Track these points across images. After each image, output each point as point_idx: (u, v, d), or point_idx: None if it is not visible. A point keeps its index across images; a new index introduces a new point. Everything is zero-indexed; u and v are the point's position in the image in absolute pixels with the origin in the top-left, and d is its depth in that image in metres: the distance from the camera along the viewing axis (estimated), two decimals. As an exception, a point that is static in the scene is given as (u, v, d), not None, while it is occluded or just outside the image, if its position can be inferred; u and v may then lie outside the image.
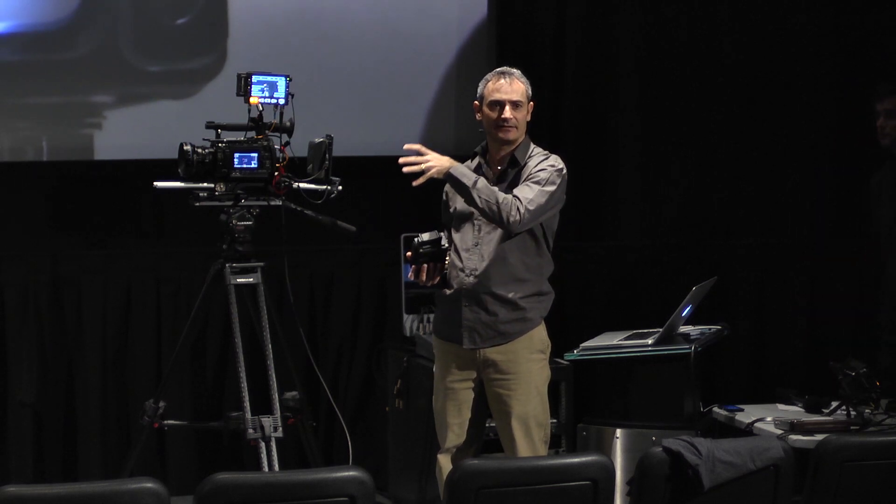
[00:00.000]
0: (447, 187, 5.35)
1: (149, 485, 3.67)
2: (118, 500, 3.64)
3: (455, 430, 5.27)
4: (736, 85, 7.44)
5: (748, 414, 5.88)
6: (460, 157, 5.21)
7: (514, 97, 5.22)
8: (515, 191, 5.15)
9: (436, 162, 5.12)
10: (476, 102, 5.30)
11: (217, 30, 6.90)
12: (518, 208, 5.10)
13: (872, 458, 4.35)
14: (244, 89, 5.74)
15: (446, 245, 5.20)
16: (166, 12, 6.88)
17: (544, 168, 5.20)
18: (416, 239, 5.16)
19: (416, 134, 7.11)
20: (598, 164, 7.37)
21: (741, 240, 7.48)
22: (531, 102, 5.28)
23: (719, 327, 6.35)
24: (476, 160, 5.33)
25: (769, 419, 5.73)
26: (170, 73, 6.90)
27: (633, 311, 7.08)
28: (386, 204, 7.11)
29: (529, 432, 5.20)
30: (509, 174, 5.26)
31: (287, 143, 5.79)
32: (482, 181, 5.15)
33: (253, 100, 5.73)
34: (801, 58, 7.47)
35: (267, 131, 5.77)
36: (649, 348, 6.02)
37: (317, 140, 5.83)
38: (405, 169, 5.10)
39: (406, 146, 5.18)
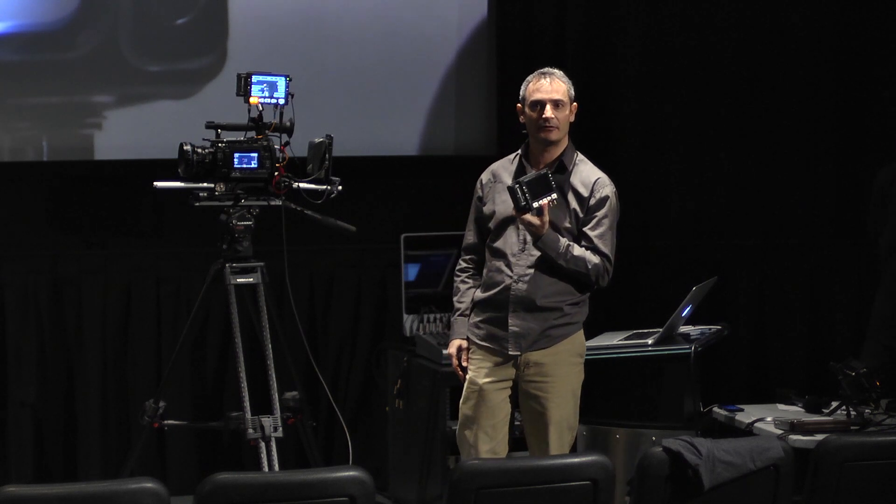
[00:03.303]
0: (480, 183, 5.33)
1: (149, 485, 3.66)
2: (118, 500, 3.63)
3: (488, 431, 5.19)
4: (736, 85, 7.44)
5: (748, 414, 5.88)
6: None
7: (556, 96, 5.20)
8: (597, 240, 5.15)
9: (539, 226, 5.02)
10: (518, 105, 5.26)
11: (217, 30, 6.90)
12: (608, 270, 5.17)
13: (872, 458, 4.35)
14: (244, 89, 5.73)
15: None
16: (166, 12, 6.88)
17: (608, 205, 5.21)
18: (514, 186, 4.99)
19: (416, 134, 7.11)
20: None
21: (741, 240, 7.47)
22: (574, 103, 5.25)
23: (719, 327, 6.35)
24: (516, 160, 5.28)
25: (769, 419, 5.73)
26: (170, 73, 6.90)
27: (633, 311, 7.07)
28: (386, 204, 7.11)
29: (562, 436, 5.18)
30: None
31: (287, 143, 5.79)
32: (570, 250, 5.11)
33: (253, 100, 5.73)
34: (801, 58, 7.47)
35: (267, 131, 5.77)
36: (649, 348, 6.02)
37: (317, 140, 5.83)
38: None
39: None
